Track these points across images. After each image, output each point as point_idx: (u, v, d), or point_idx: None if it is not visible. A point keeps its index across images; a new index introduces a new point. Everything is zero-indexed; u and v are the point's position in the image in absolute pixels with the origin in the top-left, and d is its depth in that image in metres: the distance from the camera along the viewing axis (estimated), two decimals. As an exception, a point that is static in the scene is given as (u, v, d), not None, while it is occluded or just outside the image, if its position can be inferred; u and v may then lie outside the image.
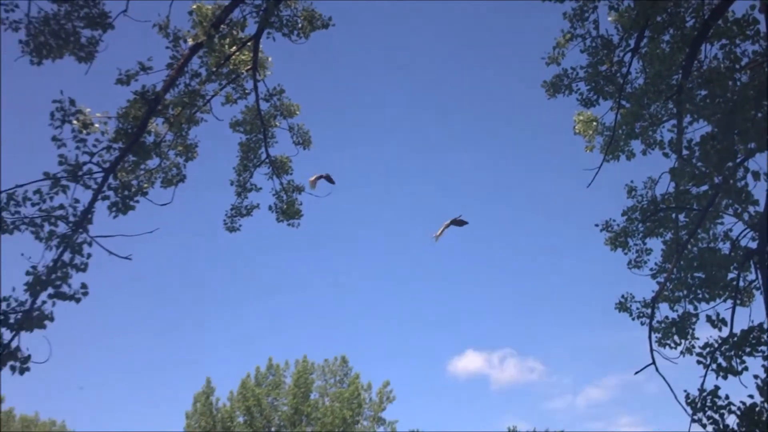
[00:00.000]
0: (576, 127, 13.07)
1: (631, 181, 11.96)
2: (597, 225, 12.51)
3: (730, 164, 7.25)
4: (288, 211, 14.49)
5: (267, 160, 14.01)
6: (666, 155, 9.77)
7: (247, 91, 12.41)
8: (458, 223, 13.69)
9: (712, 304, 9.58)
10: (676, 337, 10.53)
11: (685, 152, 8.69)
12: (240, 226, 14.43)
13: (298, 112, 13.52)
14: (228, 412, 54.95)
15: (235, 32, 10.05)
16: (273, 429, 55.00)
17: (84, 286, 8.36)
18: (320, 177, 13.80)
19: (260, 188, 14.26)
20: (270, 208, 14.36)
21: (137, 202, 8.97)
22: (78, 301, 8.33)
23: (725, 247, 10.40)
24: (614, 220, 12.41)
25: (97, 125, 8.76)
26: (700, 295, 9.54)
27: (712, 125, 7.49)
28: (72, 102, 8.29)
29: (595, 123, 12.94)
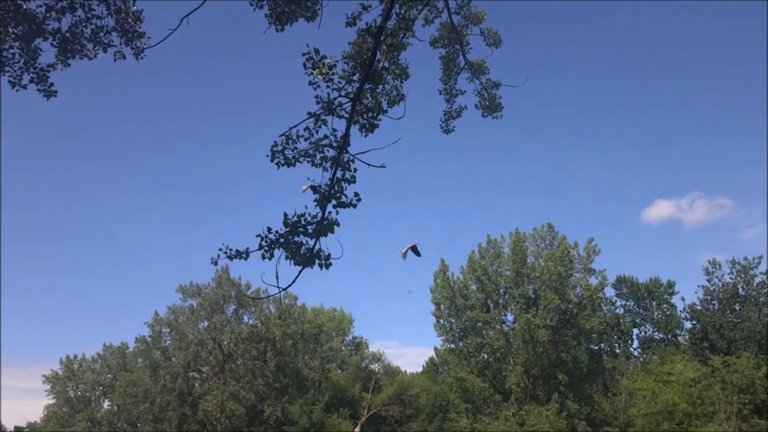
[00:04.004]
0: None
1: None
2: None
3: None
4: (491, 106, 14.31)
5: (466, 66, 13.82)
6: None
7: (440, 10, 12.20)
8: (414, 250, 13.19)
9: None
10: None
11: None
12: (453, 128, 14.52)
13: (485, 17, 13.05)
14: (462, 282, 57.14)
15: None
16: (500, 290, 56.39)
17: (356, 194, 8.96)
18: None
19: (464, 91, 14.17)
20: (476, 106, 14.25)
21: (380, 120, 9.33)
22: (354, 206, 8.96)
23: None
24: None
25: (336, 65, 9.11)
26: None
27: None
28: (316, 51, 8.67)
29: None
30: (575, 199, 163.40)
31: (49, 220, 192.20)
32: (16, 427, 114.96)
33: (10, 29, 9.64)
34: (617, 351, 66.15)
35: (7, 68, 9.93)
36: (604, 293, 61.26)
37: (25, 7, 9.46)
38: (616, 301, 68.64)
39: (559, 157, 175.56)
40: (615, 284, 68.06)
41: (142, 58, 11.33)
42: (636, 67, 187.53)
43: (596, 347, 65.95)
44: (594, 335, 62.27)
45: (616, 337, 67.42)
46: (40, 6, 9.57)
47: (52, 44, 10.19)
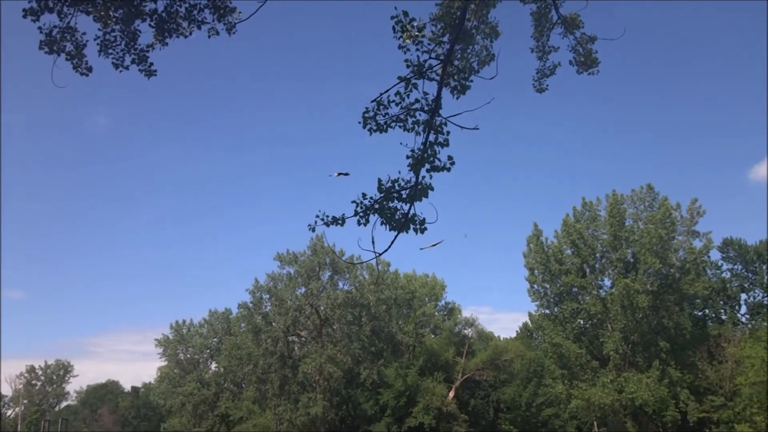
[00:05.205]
0: None
1: None
2: None
3: None
4: (586, 62, 13.62)
5: (559, 21, 13.17)
6: None
7: (531, -36, 11.63)
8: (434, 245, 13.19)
9: None
10: None
11: None
12: (547, 86, 13.95)
13: (579, -32, 12.36)
14: (556, 247, 55.69)
15: None
16: (597, 255, 54.52)
17: (450, 158, 8.78)
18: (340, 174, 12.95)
19: (557, 48, 13.54)
20: (570, 62, 13.60)
21: (471, 81, 9.05)
22: (449, 170, 8.76)
23: None
24: None
25: (425, 27, 8.87)
26: None
27: None
28: (405, 14, 8.47)
29: None
30: (678, 158, 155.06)
31: (148, 200, 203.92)
32: (132, 387, 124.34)
33: (111, 13, 10.02)
34: (723, 317, 62.78)
35: (110, 51, 10.36)
36: (709, 257, 57.96)
37: (123, -10, 9.78)
38: (722, 264, 64.92)
39: (660, 114, 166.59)
40: (721, 247, 64.26)
41: (234, 33, 11.46)
42: (745, 15, 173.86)
43: (700, 313, 62.85)
44: (698, 301, 59.28)
45: (722, 302, 63.90)
46: (137, -12, 9.87)
47: (150, 25, 10.51)
